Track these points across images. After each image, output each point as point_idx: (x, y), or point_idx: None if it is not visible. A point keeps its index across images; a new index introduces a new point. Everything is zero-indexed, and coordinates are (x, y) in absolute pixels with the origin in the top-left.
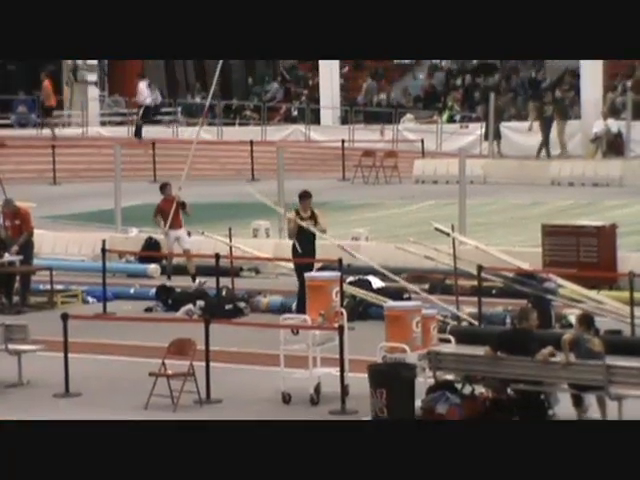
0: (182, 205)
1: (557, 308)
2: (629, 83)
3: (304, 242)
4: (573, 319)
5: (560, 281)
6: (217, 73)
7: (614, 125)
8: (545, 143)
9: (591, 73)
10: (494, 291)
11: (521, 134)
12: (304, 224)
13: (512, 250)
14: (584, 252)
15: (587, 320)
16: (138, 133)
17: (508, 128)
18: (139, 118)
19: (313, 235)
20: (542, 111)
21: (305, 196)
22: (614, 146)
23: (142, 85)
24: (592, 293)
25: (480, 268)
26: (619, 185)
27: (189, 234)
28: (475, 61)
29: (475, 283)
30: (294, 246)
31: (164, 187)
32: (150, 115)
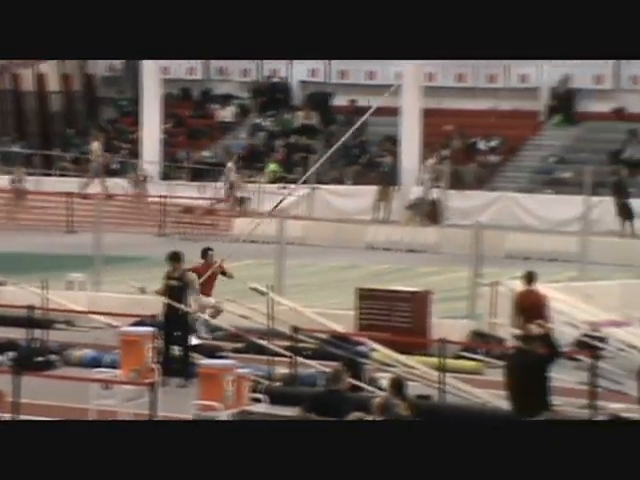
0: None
1: (369, 371)
2: (446, 152)
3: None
4: (385, 383)
5: (373, 345)
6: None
7: (431, 193)
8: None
9: (410, 140)
10: (308, 352)
11: (340, 197)
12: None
13: (327, 312)
14: (398, 317)
15: (397, 384)
16: None
17: (327, 191)
18: None
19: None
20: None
21: (172, 258)
22: (431, 213)
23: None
24: (404, 358)
25: (295, 329)
26: (435, 252)
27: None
28: (298, 123)
29: (289, 343)
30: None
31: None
32: None
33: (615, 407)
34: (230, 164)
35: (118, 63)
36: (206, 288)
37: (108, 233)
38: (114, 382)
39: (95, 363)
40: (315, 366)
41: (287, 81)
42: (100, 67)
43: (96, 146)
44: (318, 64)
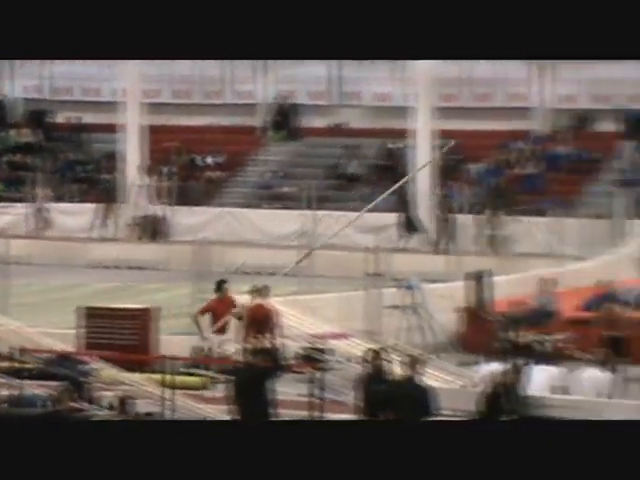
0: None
1: (94, 390)
2: (171, 168)
3: None
4: (109, 401)
5: (98, 363)
6: None
7: (158, 209)
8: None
9: (133, 157)
10: (31, 372)
11: (67, 215)
12: None
13: (51, 332)
14: (124, 334)
15: (122, 403)
16: None
17: (56, 209)
18: None
19: None
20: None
21: None
22: (155, 230)
23: None
24: (130, 375)
25: (18, 349)
26: (161, 269)
27: None
28: (18, 140)
29: (13, 364)
30: None
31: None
32: None
33: (338, 418)
34: (42, 189)
35: None
36: (222, 328)
37: None
38: None
39: None
40: (37, 387)
41: (5, 98)
42: None
43: None
44: (36, 80)
